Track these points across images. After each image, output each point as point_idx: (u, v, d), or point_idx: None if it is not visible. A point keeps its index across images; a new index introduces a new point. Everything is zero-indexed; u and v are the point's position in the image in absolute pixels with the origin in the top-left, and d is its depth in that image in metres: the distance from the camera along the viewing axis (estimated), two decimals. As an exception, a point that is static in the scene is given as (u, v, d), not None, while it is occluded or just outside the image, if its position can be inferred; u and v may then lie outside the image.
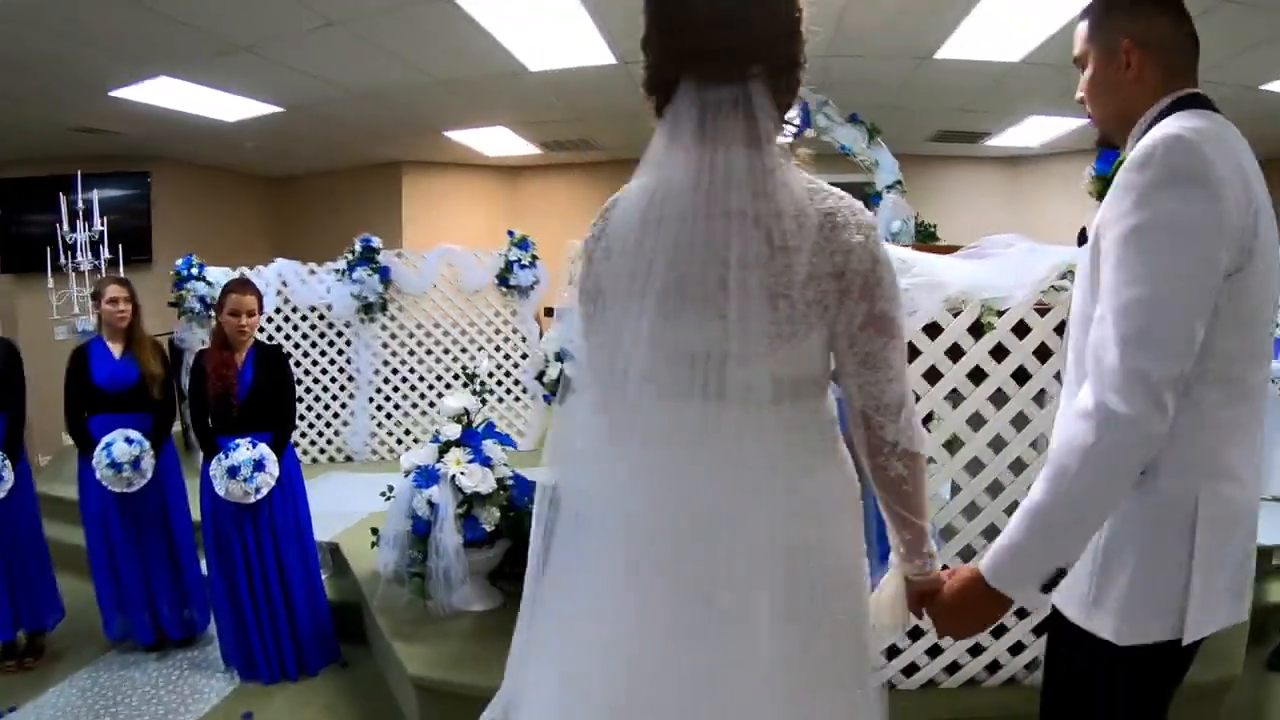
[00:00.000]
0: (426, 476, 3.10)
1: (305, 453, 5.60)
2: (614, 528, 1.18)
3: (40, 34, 4.12)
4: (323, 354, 5.58)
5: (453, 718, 2.59)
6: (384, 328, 5.56)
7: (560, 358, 5.61)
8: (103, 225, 5.63)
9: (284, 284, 5.47)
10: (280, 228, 8.22)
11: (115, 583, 3.56)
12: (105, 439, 3.43)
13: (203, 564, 3.66)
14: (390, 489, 3.31)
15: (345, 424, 5.58)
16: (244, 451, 3.18)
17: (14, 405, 3.48)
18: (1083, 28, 1.33)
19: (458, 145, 7.30)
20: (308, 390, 5.58)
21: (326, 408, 5.60)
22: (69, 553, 4.11)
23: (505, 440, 3.34)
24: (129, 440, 3.45)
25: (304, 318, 5.53)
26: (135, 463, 3.44)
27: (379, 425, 5.63)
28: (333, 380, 5.59)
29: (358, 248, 5.45)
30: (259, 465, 3.19)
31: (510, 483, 3.20)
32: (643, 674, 1.15)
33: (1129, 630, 1.22)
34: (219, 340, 3.38)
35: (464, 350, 5.69)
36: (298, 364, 5.56)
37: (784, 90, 1.15)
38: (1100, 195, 1.39)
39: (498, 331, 5.75)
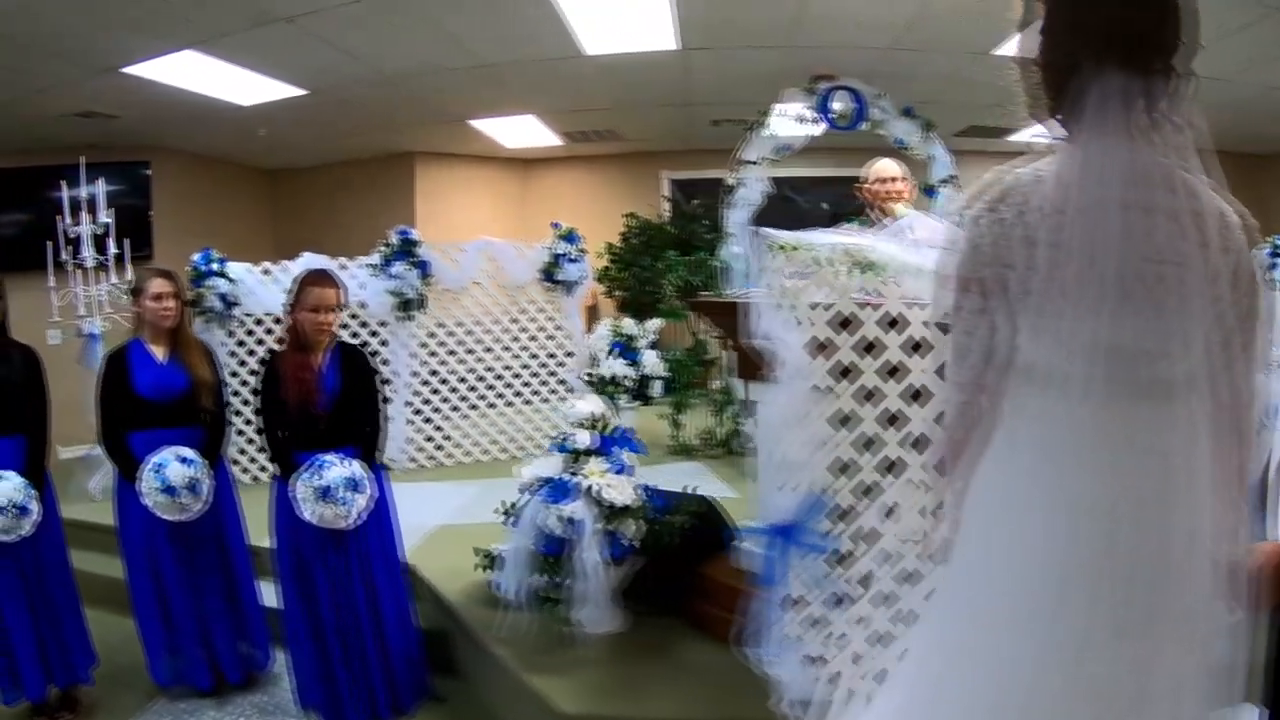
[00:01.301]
0: (558, 490, 2.61)
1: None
2: (1027, 540, 1.11)
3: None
4: (357, 355, 4.97)
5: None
6: (421, 326, 4.96)
7: (602, 354, 5.13)
8: (109, 217, 4.90)
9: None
10: (283, 222, 7.50)
11: (164, 621, 2.97)
12: (154, 459, 2.83)
13: (261, 593, 3.12)
14: (506, 504, 2.86)
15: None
16: (336, 469, 2.63)
17: (36, 424, 2.86)
18: None
19: (477, 135, 6.72)
20: (341, 394, 4.98)
21: (362, 412, 4.98)
22: (89, 583, 3.47)
23: (636, 447, 2.84)
24: (184, 460, 2.85)
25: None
26: (192, 486, 2.85)
27: (417, 431, 5.03)
28: (368, 383, 4.98)
29: (394, 240, 4.84)
30: (354, 484, 2.64)
31: (646, 494, 2.72)
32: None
33: None
34: (295, 341, 2.82)
35: (506, 349, 5.14)
36: (330, 366, 4.94)
37: (1175, 85, 1.10)
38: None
39: (541, 329, 5.22)
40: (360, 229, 6.90)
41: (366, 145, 6.81)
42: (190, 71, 4.59)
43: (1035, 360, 1.12)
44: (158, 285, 2.98)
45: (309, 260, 4.87)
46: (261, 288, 4.76)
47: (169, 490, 2.80)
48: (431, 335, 5.01)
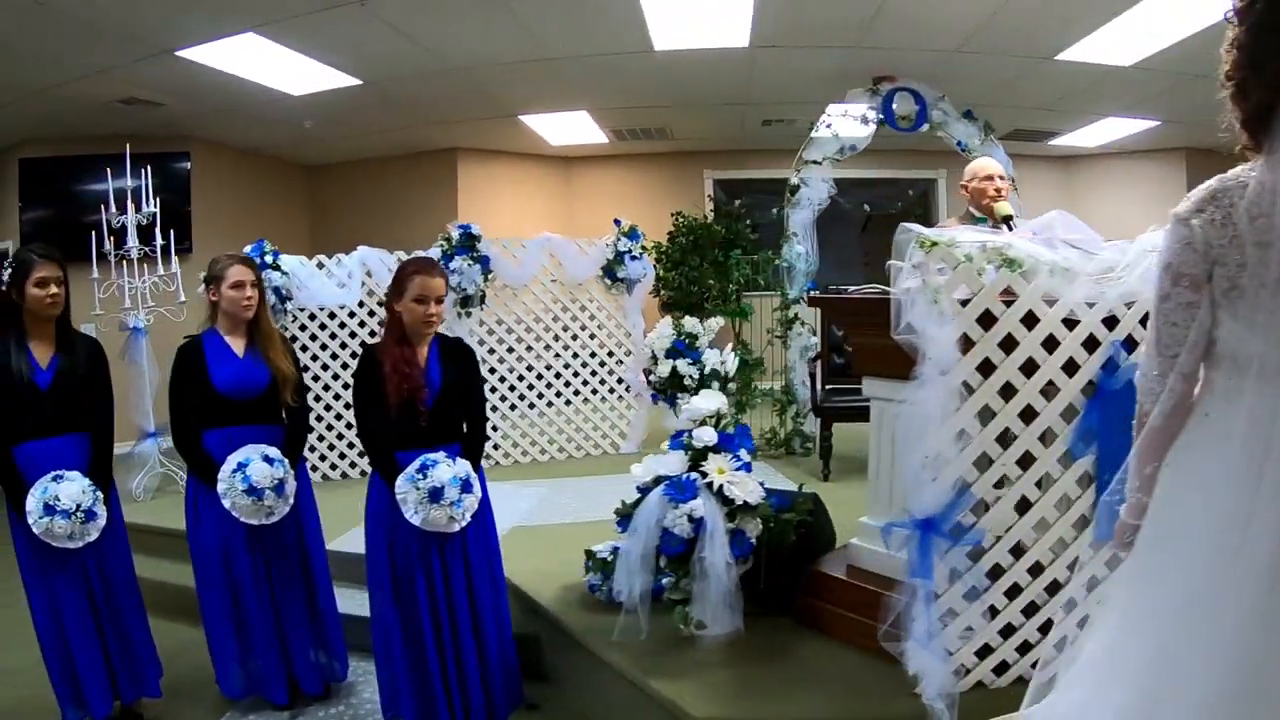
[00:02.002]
0: (680, 488, 2.41)
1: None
2: (1239, 521, 1.14)
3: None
4: (413, 351, 4.71)
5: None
6: (481, 323, 4.71)
7: (662, 353, 4.90)
8: (155, 207, 4.64)
9: (368, 274, 4.58)
10: (319, 218, 7.23)
11: (238, 631, 2.71)
12: (236, 459, 2.58)
13: (338, 600, 2.86)
14: (627, 504, 2.65)
15: (438, 429, 4.71)
16: (446, 469, 2.38)
17: (102, 421, 2.60)
18: None
19: (523, 132, 6.46)
20: (396, 392, 4.72)
21: (417, 411, 4.73)
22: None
23: (752, 445, 2.67)
24: (269, 459, 2.60)
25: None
26: (278, 487, 2.60)
27: (475, 430, 4.78)
28: (424, 380, 4.73)
29: (455, 234, 4.59)
30: (466, 485, 2.41)
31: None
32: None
33: None
34: (396, 334, 2.56)
35: (566, 348, 4.90)
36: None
37: None
38: None
39: (600, 327, 4.98)
40: (400, 225, 6.67)
41: (408, 140, 6.55)
42: (245, 56, 4.34)
43: (1239, 350, 1.19)
44: (237, 272, 2.72)
45: (364, 253, 4.63)
46: (314, 281, 4.50)
47: (253, 492, 2.54)
48: (490, 332, 4.76)
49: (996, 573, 2.05)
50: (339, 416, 4.61)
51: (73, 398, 2.50)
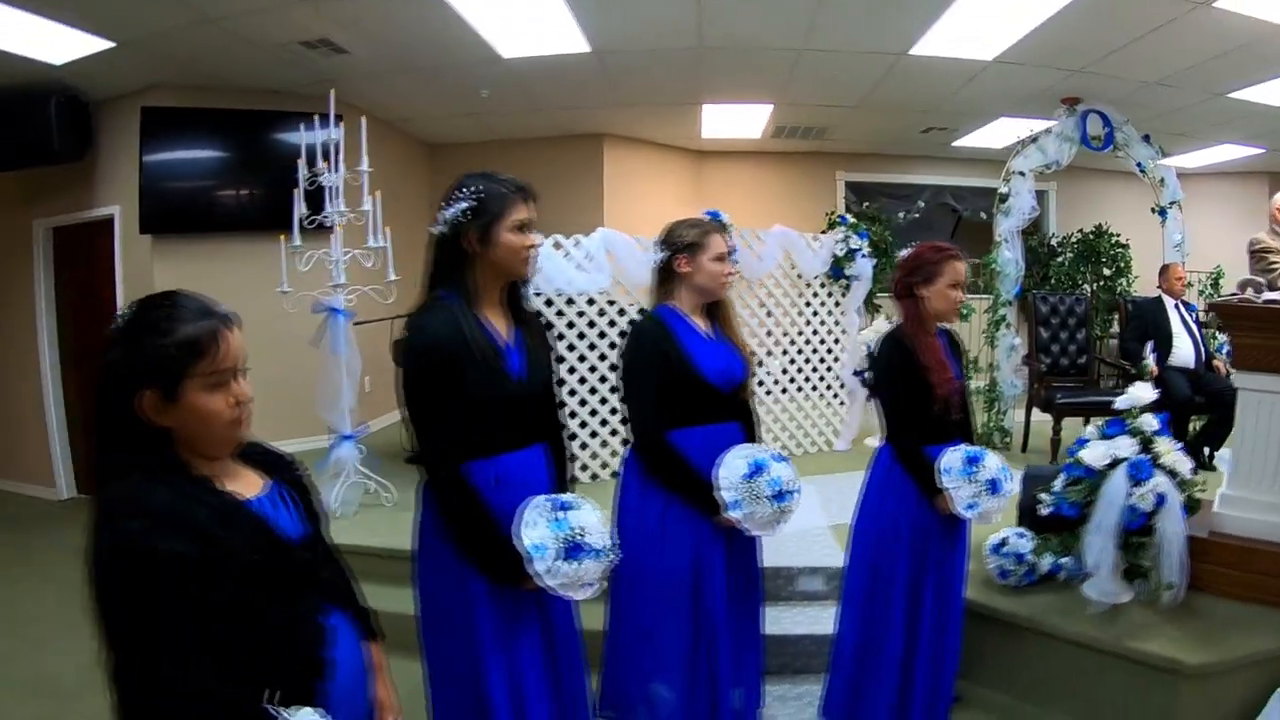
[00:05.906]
0: (1139, 468, 2.45)
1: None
2: None
3: None
4: (654, 342, 4.14)
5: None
6: (719, 315, 4.19)
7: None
8: (366, 165, 3.88)
9: (609, 257, 3.98)
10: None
11: (691, 671, 2.13)
12: (744, 460, 2.04)
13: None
14: (1077, 489, 2.61)
15: (675, 425, 4.16)
16: (995, 460, 2.16)
17: (561, 424, 1.92)
18: None
19: (681, 122, 5.91)
20: (635, 384, 4.14)
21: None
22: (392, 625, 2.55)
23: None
24: (779, 458, 2.10)
25: (633, 302, 4.07)
26: (798, 489, 2.09)
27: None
28: (663, 373, 4.17)
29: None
30: (1009, 475, 2.21)
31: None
32: None
33: None
34: (919, 323, 2.23)
35: (793, 343, 4.45)
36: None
37: None
38: None
39: (822, 323, 4.56)
40: (537, 207, 5.97)
41: (559, 123, 5.87)
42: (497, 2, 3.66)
43: None
44: (721, 242, 2.20)
45: (607, 235, 4.04)
46: (550, 263, 3.87)
47: (781, 496, 2.02)
48: (728, 325, 4.25)
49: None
50: (593, 412, 4.01)
51: (542, 390, 1.76)
